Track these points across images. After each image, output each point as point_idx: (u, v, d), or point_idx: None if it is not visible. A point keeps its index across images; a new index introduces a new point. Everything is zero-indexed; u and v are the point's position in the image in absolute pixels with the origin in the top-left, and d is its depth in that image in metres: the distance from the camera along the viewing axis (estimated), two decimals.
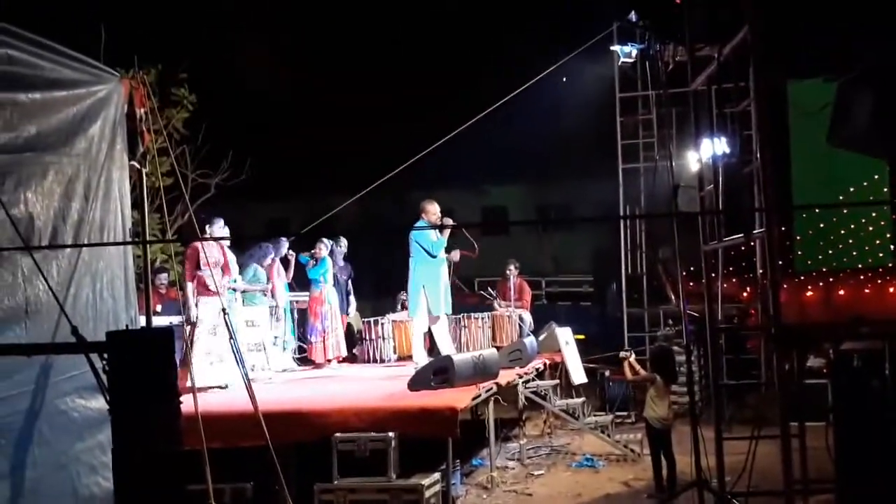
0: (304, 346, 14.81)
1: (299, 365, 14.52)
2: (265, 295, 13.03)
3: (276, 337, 13.71)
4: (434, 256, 12.02)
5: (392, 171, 14.41)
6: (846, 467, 5.67)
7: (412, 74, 24.87)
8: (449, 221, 12.29)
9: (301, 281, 14.76)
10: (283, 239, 14.48)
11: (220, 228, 12.01)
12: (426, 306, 12.08)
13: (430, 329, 12.53)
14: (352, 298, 15.21)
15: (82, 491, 5.97)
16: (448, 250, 12.32)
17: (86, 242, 6.24)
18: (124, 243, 6.80)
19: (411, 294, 12.30)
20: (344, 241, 14.91)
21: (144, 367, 4.17)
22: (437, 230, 12.06)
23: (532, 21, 23.96)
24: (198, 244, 11.15)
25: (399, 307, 15.95)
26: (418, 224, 12.16)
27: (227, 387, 10.78)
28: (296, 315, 15.26)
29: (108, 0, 14.27)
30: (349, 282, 15.20)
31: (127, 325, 6.51)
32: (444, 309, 12.31)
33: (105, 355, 4.24)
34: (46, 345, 5.45)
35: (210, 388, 10.55)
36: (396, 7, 24.56)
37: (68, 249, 6.09)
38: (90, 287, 6.35)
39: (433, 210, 12.20)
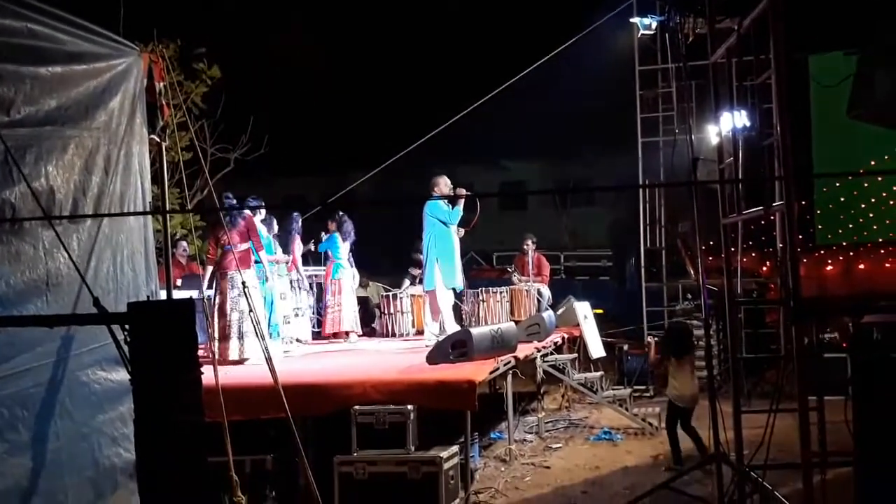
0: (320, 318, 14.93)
1: (315, 338, 14.62)
2: (286, 265, 13.11)
3: (296, 308, 13.79)
4: (451, 224, 12.00)
5: (411, 146, 14.42)
6: (864, 441, 5.64)
7: (431, 49, 24.80)
8: (462, 191, 12.25)
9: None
10: (296, 213, 14.50)
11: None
12: (441, 278, 12.07)
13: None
14: (354, 271, 15.16)
15: (103, 462, 6.02)
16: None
17: (106, 213, 6.26)
18: (144, 213, 6.82)
19: (426, 266, 12.29)
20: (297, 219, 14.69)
21: (166, 338, 4.20)
22: (450, 201, 12.06)
23: None
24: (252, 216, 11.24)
25: (409, 282, 16.00)
26: (431, 198, 12.15)
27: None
28: (314, 290, 15.34)
29: None
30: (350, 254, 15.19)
31: (147, 298, 6.55)
32: (457, 283, 12.31)
33: (127, 326, 4.26)
34: (69, 316, 5.49)
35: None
36: None
37: (88, 223, 6.11)
38: (110, 260, 6.38)
39: (445, 182, 12.19)
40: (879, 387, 5.61)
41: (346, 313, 14.33)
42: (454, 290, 12.46)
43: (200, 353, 4.63)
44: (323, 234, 14.76)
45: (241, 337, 10.82)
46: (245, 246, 11.07)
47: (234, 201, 11.60)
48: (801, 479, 6.83)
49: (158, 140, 7.08)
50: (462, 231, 12.37)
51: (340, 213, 14.53)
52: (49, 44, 5.77)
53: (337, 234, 14.36)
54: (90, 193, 6.19)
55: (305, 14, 24.95)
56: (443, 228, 12.02)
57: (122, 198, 6.61)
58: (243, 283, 8.86)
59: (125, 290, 6.51)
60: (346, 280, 14.40)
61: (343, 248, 14.33)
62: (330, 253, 14.39)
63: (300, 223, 14.40)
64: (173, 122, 7.28)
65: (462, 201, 12.13)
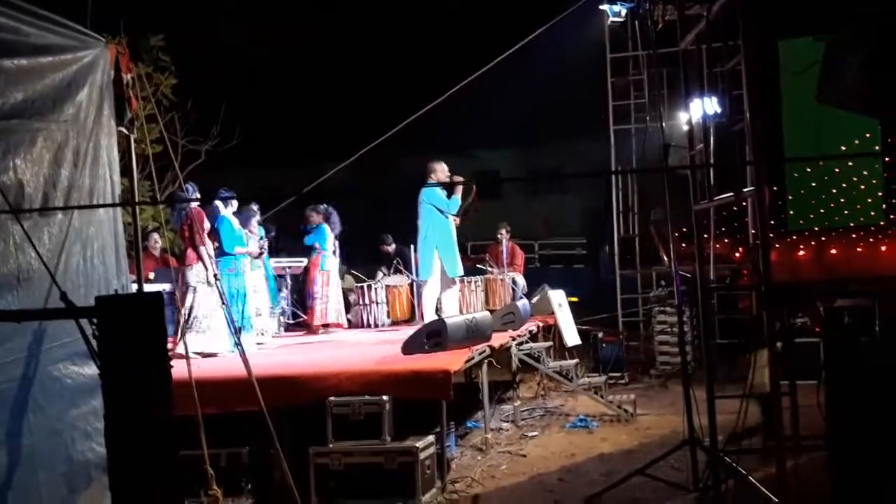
0: (299, 311, 14.84)
1: (291, 330, 14.57)
2: (258, 258, 13.03)
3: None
4: (449, 215, 11.96)
5: (382, 136, 14.34)
6: (837, 424, 5.69)
7: (401, 38, 24.73)
8: (459, 179, 12.22)
9: (300, 248, 14.76)
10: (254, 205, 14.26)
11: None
12: (440, 269, 12.04)
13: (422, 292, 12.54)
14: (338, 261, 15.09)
15: (77, 457, 5.98)
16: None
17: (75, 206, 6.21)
18: (114, 205, 6.77)
19: (422, 256, 12.24)
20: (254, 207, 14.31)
21: (134, 331, 4.16)
22: (447, 189, 12.01)
23: None
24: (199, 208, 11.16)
25: (383, 273, 16.00)
26: (427, 185, 12.10)
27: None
28: (289, 281, 15.27)
29: None
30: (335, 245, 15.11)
31: (117, 292, 6.50)
32: (458, 271, 12.30)
33: (94, 320, 4.23)
34: (36, 311, 5.44)
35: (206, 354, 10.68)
36: None
37: (59, 216, 6.06)
38: (80, 254, 6.33)
39: (441, 169, 12.14)
40: (850, 371, 5.65)
41: (332, 305, 14.32)
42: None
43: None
44: (303, 226, 14.60)
45: (182, 333, 10.80)
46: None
47: (197, 193, 11.51)
48: (774, 463, 6.87)
49: (127, 132, 7.02)
50: (458, 220, 12.32)
51: (326, 206, 14.41)
52: (13, 36, 5.70)
53: (325, 226, 14.30)
54: (60, 186, 6.14)
55: (275, 3, 24.83)
56: (440, 216, 11.98)
57: (91, 191, 6.55)
58: (216, 275, 8.81)
59: (95, 284, 6.46)
60: (334, 271, 14.39)
61: (330, 239, 14.29)
62: (318, 244, 14.29)
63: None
64: (142, 115, 7.22)
65: (459, 190, 12.09)
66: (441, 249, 11.98)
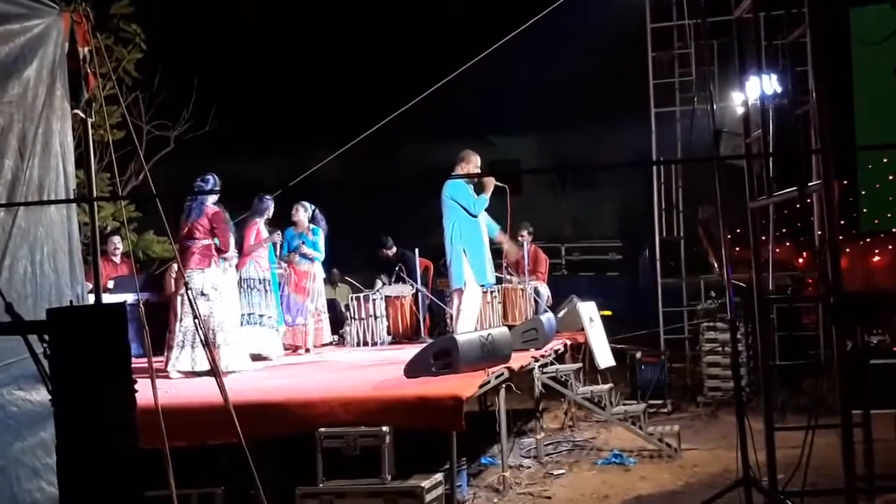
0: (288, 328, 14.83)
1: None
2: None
3: (261, 315, 13.62)
4: (474, 216, 11.97)
5: (382, 120, 14.35)
6: None
7: (406, 7, 24.73)
8: (491, 179, 12.17)
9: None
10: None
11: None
12: (472, 273, 12.03)
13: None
14: None
15: (23, 497, 5.99)
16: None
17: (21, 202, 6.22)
18: (68, 201, 6.78)
19: (451, 261, 12.22)
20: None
21: (92, 349, 4.17)
22: (475, 188, 12.04)
23: None
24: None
25: (382, 283, 16.03)
26: (454, 174, 12.12)
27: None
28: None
29: None
30: None
31: (72, 303, 6.51)
32: (488, 279, 12.32)
33: (46, 336, 4.23)
34: None
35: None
36: None
37: (2, 214, 6.07)
38: (28, 259, 6.34)
39: (475, 162, 12.10)
40: None
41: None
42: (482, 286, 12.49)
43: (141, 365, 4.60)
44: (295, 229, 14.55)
45: (194, 346, 10.91)
46: (206, 241, 11.17)
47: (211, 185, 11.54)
48: None
49: (83, 115, 7.03)
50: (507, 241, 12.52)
51: (313, 206, 14.38)
52: None
53: (320, 229, 14.33)
54: (2, 180, 6.16)
55: None
56: (467, 214, 11.99)
57: (40, 184, 6.56)
58: (187, 285, 8.83)
59: (46, 294, 6.47)
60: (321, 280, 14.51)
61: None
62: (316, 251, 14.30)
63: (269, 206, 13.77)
64: (101, 95, 7.24)
65: (490, 189, 12.07)
66: (470, 252, 11.95)
